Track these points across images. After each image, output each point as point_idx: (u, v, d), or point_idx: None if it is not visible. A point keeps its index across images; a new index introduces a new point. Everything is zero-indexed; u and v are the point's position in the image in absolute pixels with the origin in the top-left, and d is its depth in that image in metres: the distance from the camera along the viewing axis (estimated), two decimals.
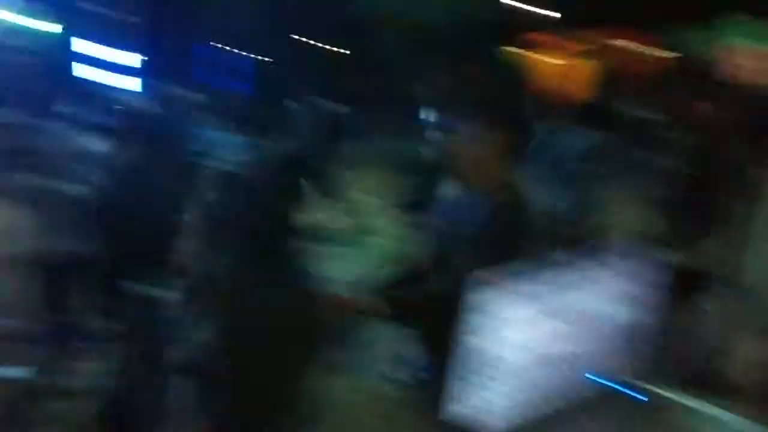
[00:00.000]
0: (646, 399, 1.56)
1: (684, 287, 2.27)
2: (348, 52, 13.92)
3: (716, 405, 1.59)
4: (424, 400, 2.02)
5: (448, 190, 2.21)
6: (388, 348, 2.55)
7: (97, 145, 2.72)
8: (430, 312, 1.76)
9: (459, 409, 1.33)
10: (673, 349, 1.78)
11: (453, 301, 1.26)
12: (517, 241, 1.78)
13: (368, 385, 2.67)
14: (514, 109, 2.64)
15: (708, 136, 4.12)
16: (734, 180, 3.55)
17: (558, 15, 13.24)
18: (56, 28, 5.25)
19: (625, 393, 1.57)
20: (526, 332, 1.34)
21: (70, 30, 5.33)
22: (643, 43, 13.62)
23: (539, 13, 13.51)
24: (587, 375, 1.50)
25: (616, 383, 1.55)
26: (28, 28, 4.72)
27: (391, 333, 2.34)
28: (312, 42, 13.11)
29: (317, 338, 1.72)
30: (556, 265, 1.36)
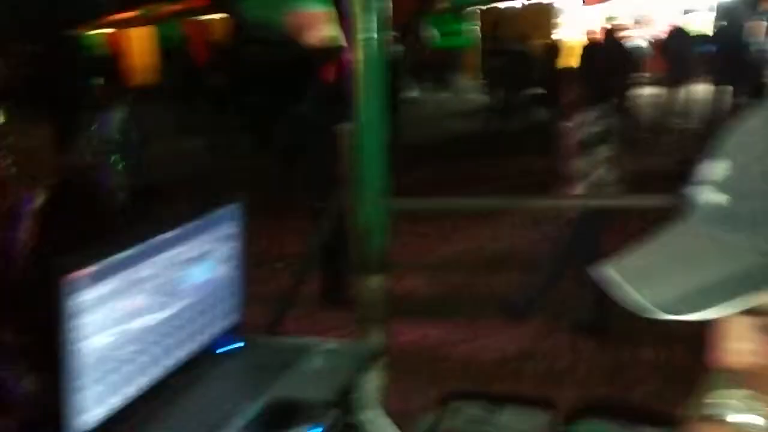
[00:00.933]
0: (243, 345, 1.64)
1: None
2: None
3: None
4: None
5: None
6: None
7: None
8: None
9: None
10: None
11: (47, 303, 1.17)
12: (96, 225, 1.72)
13: None
14: (67, 94, 2.54)
15: None
16: None
17: None
18: None
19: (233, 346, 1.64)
20: (121, 315, 1.31)
21: None
22: (206, 10, 13.98)
23: None
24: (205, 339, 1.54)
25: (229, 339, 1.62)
26: None
27: None
28: None
29: None
30: (145, 238, 1.35)
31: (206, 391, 1.47)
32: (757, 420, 0.74)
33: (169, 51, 14.36)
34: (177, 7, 13.77)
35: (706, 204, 0.71)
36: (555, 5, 16.45)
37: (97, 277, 1.23)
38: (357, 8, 2.41)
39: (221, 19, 14.38)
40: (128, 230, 1.36)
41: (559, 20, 16.78)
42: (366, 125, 2.53)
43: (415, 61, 15.17)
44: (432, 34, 13.50)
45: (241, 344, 1.65)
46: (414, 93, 16.11)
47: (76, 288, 1.18)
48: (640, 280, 0.70)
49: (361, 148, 2.57)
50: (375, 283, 2.52)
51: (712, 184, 0.71)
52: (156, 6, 13.93)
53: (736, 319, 0.71)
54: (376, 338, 2.16)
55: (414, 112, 14.01)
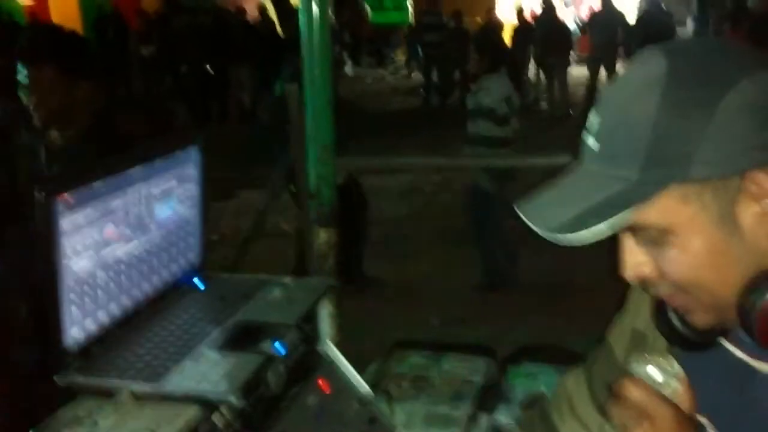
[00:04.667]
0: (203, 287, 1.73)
1: None
2: None
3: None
4: None
5: None
6: None
7: None
8: None
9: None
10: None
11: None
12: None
13: None
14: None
15: None
16: None
17: None
18: None
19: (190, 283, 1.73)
20: (99, 246, 1.39)
21: None
22: None
23: None
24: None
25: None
26: None
27: None
28: None
29: None
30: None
31: (173, 319, 1.56)
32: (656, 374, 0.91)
33: (98, 20, 13.98)
34: None
35: (587, 148, 0.92)
36: None
37: (77, 202, 1.31)
38: None
39: None
40: (100, 163, 1.43)
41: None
42: (312, 85, 2.64)
43: (352, 36, 15.19)
44: (366, 7, 13.55)
45: (203, 281, 1.75)
46: (348, 69, 16.13)
47: (60, 210, 1.26)
48: (536, 212, 0.89)
49: (309, 108, 2.68)
50: (325, 236, 2.65)
51: (590, 132, 0.91)
52: None
53: (625, 237, 0.90)
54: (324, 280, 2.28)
55: (351, 87, 14.07)
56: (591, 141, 0.90)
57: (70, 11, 14.30)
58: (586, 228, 0.83)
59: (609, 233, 0.85)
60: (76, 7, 14.42)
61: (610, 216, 0.83)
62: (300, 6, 2.55)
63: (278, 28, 12.03)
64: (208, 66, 12.13)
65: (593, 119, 0.90)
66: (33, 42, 2.54)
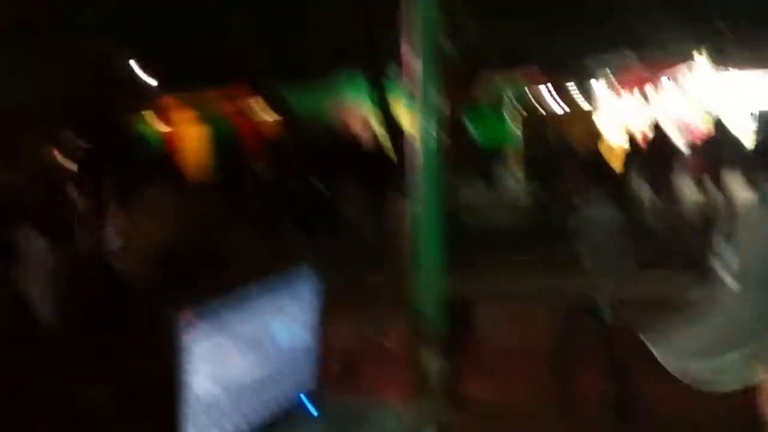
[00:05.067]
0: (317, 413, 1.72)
1: None
2: None
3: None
4: None
5: None
6: None
7: None
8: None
9: None
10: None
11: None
12: None
13: None
14: None
15: None
16: None
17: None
18: None
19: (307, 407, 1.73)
20: (219, 364, 1.42)
21: None
22: (250, 103, 14.57)
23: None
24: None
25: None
26: None
27: None
28: None
29: None
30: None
31: None
32: None
33: (221, 146, 14.87)
34: (219, 91, 14.34)
35: (722, 282, 0.84)
36: (596, 111, 16.74)
37: (198, 321, 1.35)
38: (415, 100, 2.57)
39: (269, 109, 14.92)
40: (219, 282, 1.48)
41: (599, 124, 17.10)
42: (421, 202, 2.66)
43: (457, 155, 15.39)
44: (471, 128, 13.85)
45: (316, 402, 1.74)
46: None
47: (183, 327, 1.30)
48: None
49: (418, 225, 2.69)
50: (431, 356, 2.59)
51: (725, 265, 0.84)
52: (197, 91, 14.51)
53: None
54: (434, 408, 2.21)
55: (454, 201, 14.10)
56: (727, 275, 0.84)
57: (200, 136, 15.27)
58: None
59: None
60: (205, 133, 15.41)
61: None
62: (415, 126, 2.60)
63: (385, 144, 12.40)
64: (316, 181, 12.54)
65: (725, 250, 0.85)
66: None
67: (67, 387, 1.69)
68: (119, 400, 1.64)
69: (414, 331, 2.74)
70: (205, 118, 15.21)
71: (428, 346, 2.61)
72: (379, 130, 13.53)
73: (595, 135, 14.84)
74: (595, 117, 16.35)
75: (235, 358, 1.49)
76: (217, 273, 2.37)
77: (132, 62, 13.45)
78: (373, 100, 13.28)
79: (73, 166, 9.38)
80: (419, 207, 2.67)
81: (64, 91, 11.75)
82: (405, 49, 2.46)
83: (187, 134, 15.26)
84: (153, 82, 13.81)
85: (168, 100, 14.85)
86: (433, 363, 2.57)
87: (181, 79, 13.33)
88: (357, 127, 14.82)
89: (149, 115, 14.82)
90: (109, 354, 1.67)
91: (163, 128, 15.37)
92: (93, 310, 1.76)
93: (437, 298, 2.68)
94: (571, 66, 14.74)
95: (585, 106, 16.51)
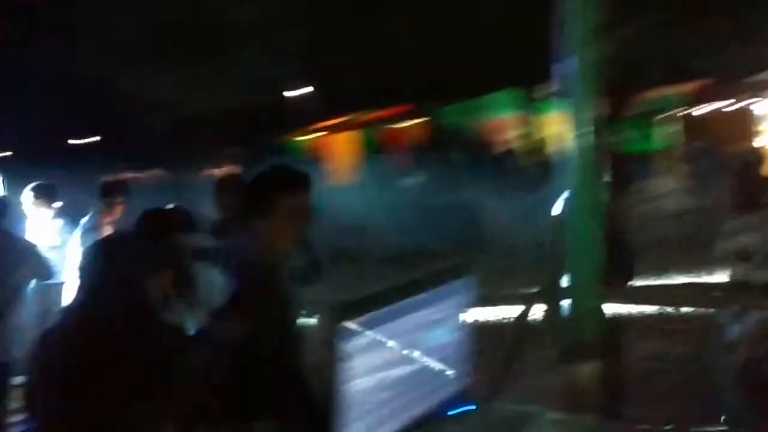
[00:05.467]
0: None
1: None
2: None
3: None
4: None
5: None
6: None
7: None
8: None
9: None
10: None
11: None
12: None
13: None
14: None
15: None
16: None
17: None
18: None
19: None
20: (376, 366, 1.49)
21: None
22: (407, 117, 14.86)
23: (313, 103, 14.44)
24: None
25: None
26: None
27: None
28: None
29: None
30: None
31: None
32: None
33: (368, 155, 15.23)
34: (380, 113, 14.72)
35: None
36: (755, 110, 15.68)
37: (362, 328, 1.42)
38: (574, 108, 2.54)
39: (418, 124, 15.16)
40: (386, 290, 1.55)
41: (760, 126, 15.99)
42: (579, 211, 2.62)
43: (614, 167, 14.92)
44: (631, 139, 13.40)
45: (471, 407, 1.77)
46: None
47: (349, 335, 1.37)
48: None
49: (575, 234, 2.65)
50: (587, 370, 2.55)
51: None
52: (360, 113, 14.97)
53: None
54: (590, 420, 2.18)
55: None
56: None
57: (350, 145, 15.74)
58: None
59: None
60: (354, 141, 15.88)
61: None
62: (571, 139, 2.57)
63: (539, 158, 12.25)
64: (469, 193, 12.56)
65: None
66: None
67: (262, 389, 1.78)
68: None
69: (570, 341, 2.70)
70: (362, 135, 15.65)
71: (584, 356, 2.57)
72: (534, 144, 13.38)
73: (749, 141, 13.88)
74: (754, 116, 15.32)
75: (394, 363, 1.55)
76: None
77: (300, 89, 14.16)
78: (528, 115, 13.17)
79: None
80: (575, 218, 2.64)
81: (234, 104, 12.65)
82: (563, 62, 2.45)
83: (338, 141, 15.79)
84: (319, 105, 14.45)
85: (329, 120, 15.45)
86: (590, 373, 2.53)
87: (345, 102, 13.89)
88: (511, 141, 14.72)
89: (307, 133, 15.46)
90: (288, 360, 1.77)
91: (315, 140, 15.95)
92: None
93: (594, 308, 2.63)
94: (743, 82, 13.92)
95: (755, 122, 15.54)
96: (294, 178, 2.23)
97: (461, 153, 13.52)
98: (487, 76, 12.09)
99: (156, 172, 15.61)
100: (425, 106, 13.90)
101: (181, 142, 14.09)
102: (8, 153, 13.95)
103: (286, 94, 14.57)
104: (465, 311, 1.81)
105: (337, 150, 15.42)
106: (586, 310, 2.62)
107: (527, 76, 11.67)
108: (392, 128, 15.43)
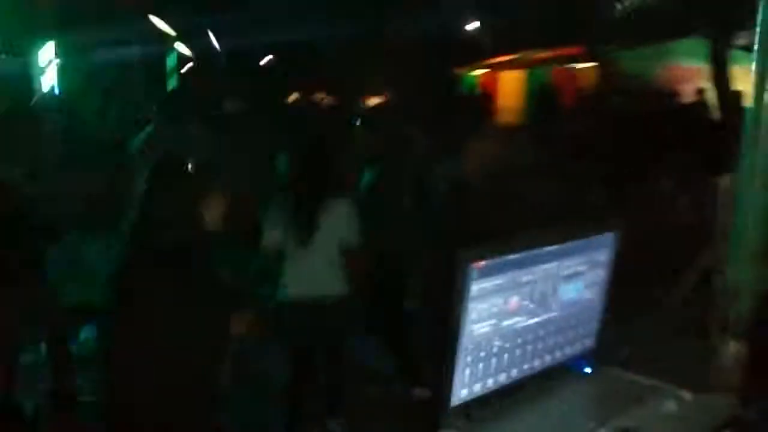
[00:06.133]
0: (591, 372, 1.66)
1: None
2: None
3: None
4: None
5: None
6: None
7: None
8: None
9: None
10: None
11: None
12: None
13: None
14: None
15: None
16: None
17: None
18: None
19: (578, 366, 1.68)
20: (501, 313, 1.44)
21: None
22: (581, 60, 14.20)
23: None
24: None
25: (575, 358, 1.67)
26: None
27: None
28: None
29: None
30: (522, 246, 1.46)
31: (555, 404, 1.53)
32: None
33: (537, 95, 14.76)
34: (552, 53, 14.19)
35: None
36: None
37: (490, 271, 1.36)
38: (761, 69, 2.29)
39: (590, 68, 14.46)
40: (517, 237, 1.47)
41: None
42: (749, 180, 2.38)
43: None
44: None
45: (594, 370, 1.68)
46: None
47: (474, 276, 1.32)
48: None
49: (741, 204, 2.43)
50: (735, 348, 2.36)
51: None
52: (532, 51, 14.50)
53: None
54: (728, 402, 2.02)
55: None
56: None
57: (516, 83, 15.37)
58: None
59: None
60: (520, 80, 15.47)
61: None
62: (757, 99, 2.32)
63: (715, 113, 11.33)
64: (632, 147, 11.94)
65: None
66: None
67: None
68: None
69: (720, 317, 2.51)
70: (531, 74, 15.21)
71: (732, 332, 2.38)
72: (714, 100, 12.38)
73: None
74: None
75: (518, 312, 1.49)
76: (515, 220, 2.39)
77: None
78: (712, 67, 12.17)
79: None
80: (748, 186, 2.40)
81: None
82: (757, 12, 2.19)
83: (505, 78, 15.41)
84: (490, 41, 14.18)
85: (500, 58, 15.12)
86: (733, 351, 2.34)
87: (519, 40, 13.51)
88: (689, 95, 13.70)
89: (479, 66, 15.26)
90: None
91: (483, 75, 15.72)
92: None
93: (752, 285, 2.42)
94: None
95: None
96: None
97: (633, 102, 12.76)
98: (673, 21, 11.27)
99: None
100: (600, 48, 13.18)
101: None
102: None
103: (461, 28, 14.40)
104: (606, 267, 1.70)
105: (505, 88, 15.06)
106: (744, 285, 2.41)
107: (718, 23, 10.72)
108: (563, 70, 14.82)
